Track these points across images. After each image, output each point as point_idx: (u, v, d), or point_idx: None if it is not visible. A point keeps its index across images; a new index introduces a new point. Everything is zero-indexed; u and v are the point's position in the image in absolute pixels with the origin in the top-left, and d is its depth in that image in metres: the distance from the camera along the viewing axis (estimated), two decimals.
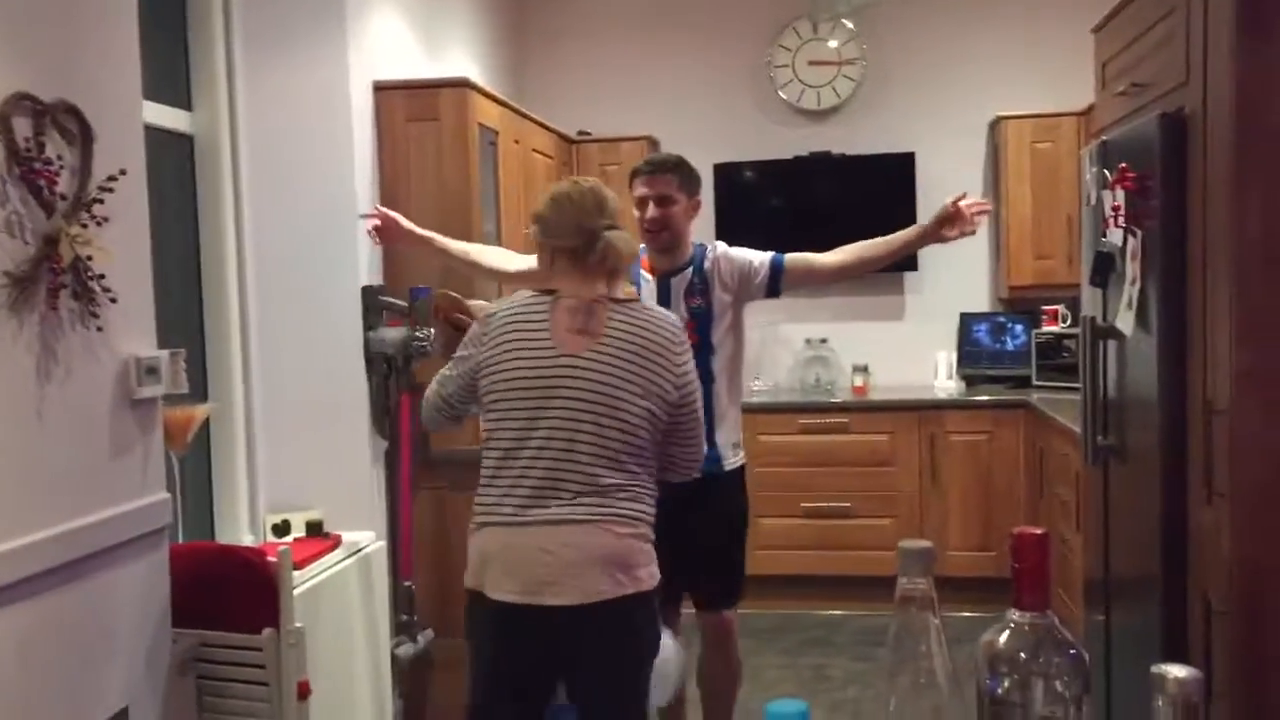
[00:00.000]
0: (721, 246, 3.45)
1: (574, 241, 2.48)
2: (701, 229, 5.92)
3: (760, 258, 3.41)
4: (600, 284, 2.47)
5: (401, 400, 3.93)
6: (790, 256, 3.45)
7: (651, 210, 3.29)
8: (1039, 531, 1.05)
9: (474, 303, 3.05)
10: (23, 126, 2.21)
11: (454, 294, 3.13)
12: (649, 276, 3.34)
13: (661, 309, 2.66)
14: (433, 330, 3.50)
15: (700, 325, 3.28)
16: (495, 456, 2.43)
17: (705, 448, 2.71)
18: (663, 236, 3.31)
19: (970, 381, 5.89)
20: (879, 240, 3.61)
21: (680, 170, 3.35)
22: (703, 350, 3.18)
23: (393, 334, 3.93)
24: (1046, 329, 5.65)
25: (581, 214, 2.49)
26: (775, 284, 3.41)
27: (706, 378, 3.13)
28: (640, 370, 2.41)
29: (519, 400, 2.40)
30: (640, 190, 3.32)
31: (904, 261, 5.91)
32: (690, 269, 3.36)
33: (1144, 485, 2.89)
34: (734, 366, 3.40)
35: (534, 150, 5.17)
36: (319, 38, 3.94)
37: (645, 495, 2.45)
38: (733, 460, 3.38)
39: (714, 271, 3.35)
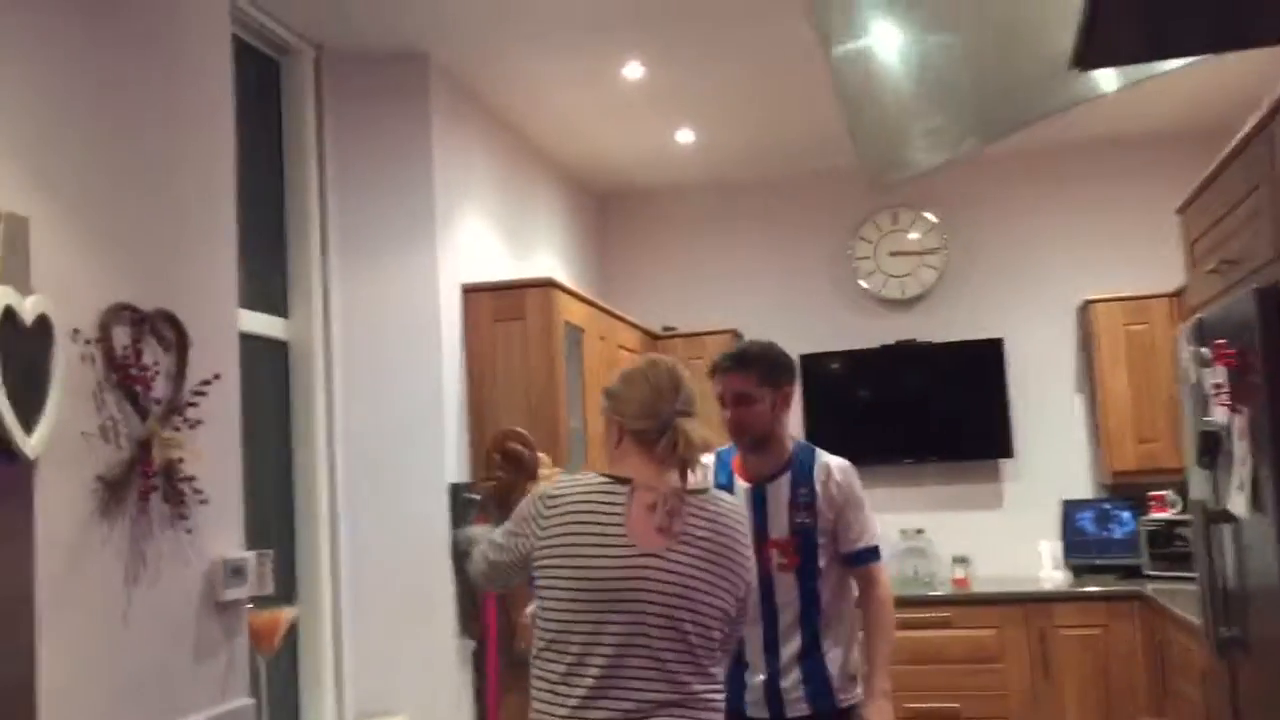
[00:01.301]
0: (836, 462, 2.97)
1: (644, 424, 2.29)
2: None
3: (867, 529, 2.95)
4: (672, 473, 2.28)
5: (488, 600, 3.87)
6: (874, 565, 2.96)
7: (729, 411, 2.90)
8: None
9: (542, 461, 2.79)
10: (122, 335, 2.29)
11: (516, 430, 2.84)
12: (743, 484, 2.95)
13: (727, 496, 2.44)
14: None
15: (805, 544, 2.87)
16: (564, 661, 2.17)
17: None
18: (744, 440, 2.93)
19: (1077, 572, 5.63)
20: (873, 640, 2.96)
21: (761, 363, 2.91)
22: (806, 575, 2.85)
23: (479, 531, 3.89)
24: (1155, 515, 5.42)
25: (655, 395, 2.30)
26: (853, 562, 2.94)
27: (812, 604, 2.85)
28: (718, 567, 2.24)
29: (591, 599, 2.16)
30: (717, 388, 2.93)
31: (1000, 447, 5.81)
32: (789, 473, 2.93)
33: (1276, 678, 2.68)
34: (845, 592, 2.95)
35: (620, 346, 5.24)
36: (411, 244, 4.09)
37: (721, 696, 2.28)
38: (848, 696, 2.89)
39: (826, 485, 2.91)
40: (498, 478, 2.63)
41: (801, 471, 2.92)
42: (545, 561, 2.20)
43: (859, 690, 2.90)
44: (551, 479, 2.58)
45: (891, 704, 2.85)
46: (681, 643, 2.17)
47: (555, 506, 2.23)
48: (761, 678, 2.86)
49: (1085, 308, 5.75)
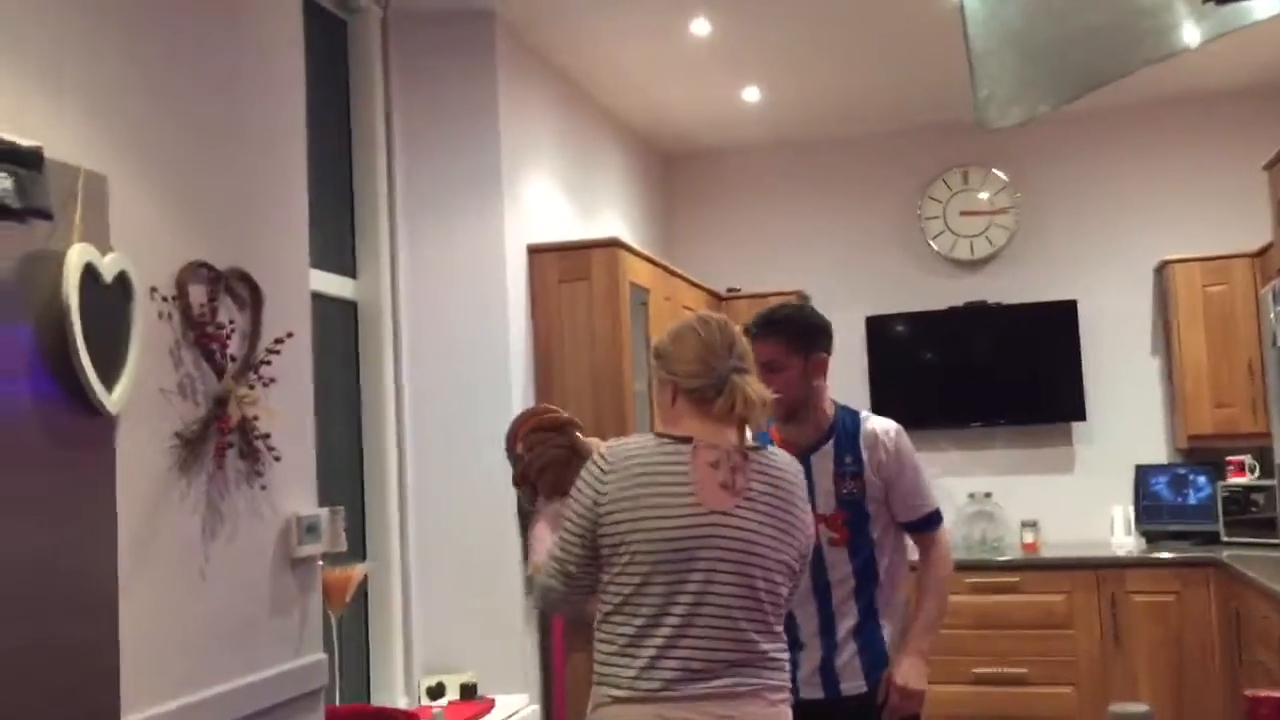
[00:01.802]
0: (883, 424, 2.80)
1: (699, 382, 2.22)
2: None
3: (923, 494, 2.80)
4: (731, 431, 2.23)
5: None
6: (936, 532, 2.83)
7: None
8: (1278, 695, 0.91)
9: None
10: (198, 293, 2.31)
11: (549, 406, 2.62)
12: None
13: (782, 452, 2.35)
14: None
15: (854, 517, 2.73)
16: (634, 624, 2.14)
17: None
18: (776, 408, 2.55)
19: (1150, 538, 5.52)
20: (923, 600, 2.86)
21: (788, 328, 2.73)
22: (858, 548, 2.71)
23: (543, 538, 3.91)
24: (1233, 480, 5.29)
25: (708, 351, 2.23)
26: (913, 530, 2.82)
27: (868, 579, 2.74)
28: (782, 522, 2.22)
29: (663, 562, 2.13)
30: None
31: (1072, 411, 5.71)
32: (832, 442, 2.77)
33: None
34: (901, 561, 2.83)
35: (684, 307, 5.20)
36: (477, 204, 4.08)
37: (786, 655, 2.27)
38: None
39: (874, 450, 2.75)
40: (557, 446, 2.42)
41: (845, 439, 2.77)
42: (610, 525, 2.15)
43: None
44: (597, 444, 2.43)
45: (926, 665, 2.75)
46: (752, 599, 2.16)
47: (614, 468, 2.16)
48: (819, 655, 2.73)
49: (1162, 268, 5.60)
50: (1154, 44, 2.63)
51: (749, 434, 2.27)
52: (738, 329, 2.31)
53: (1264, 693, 0.88)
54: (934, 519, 2.82)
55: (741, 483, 2.18)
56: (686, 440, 2.19)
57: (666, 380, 2.29)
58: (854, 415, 2.81)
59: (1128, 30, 2.47)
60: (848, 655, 2.72)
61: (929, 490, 2.82)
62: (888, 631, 2.76)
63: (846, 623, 2.72)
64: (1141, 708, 0.89)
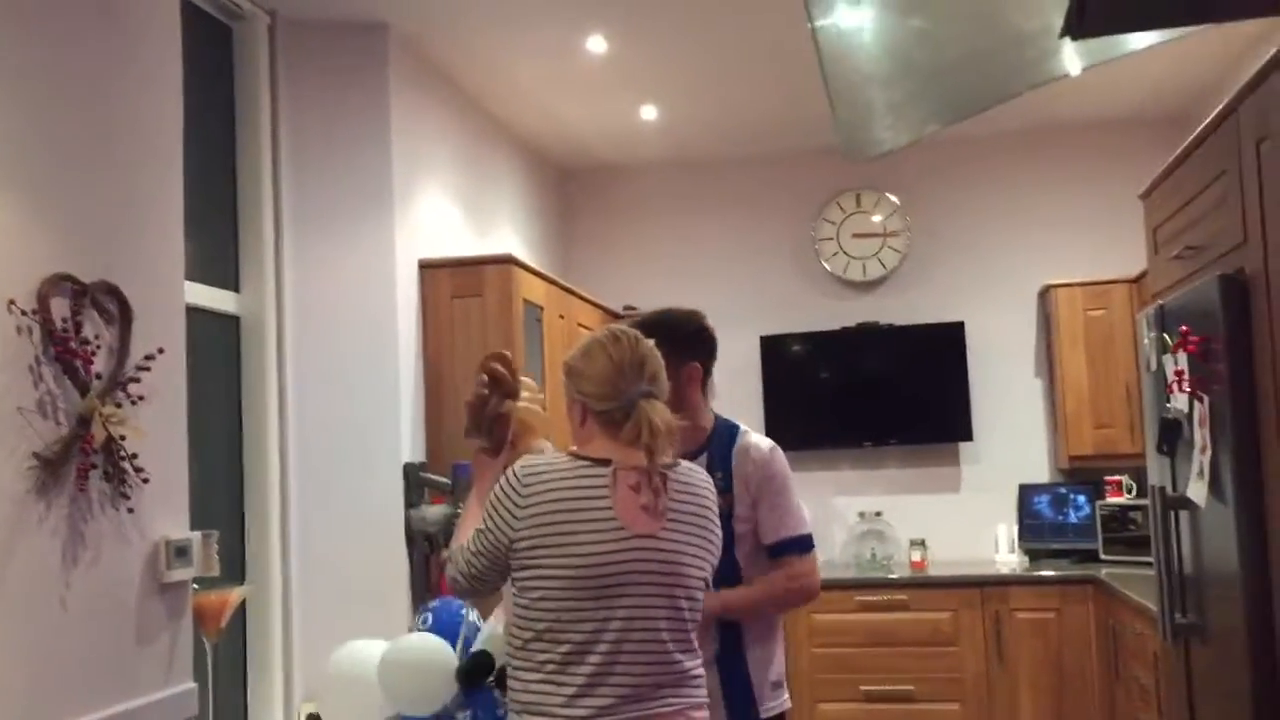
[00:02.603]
0: (757, 440, 2.66)
1: (608, 405, 2.18)
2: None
3: (790, 516, 2.62)
4: (640, 454, 2.15)
5: (443, 580, 3.81)
6: (797, 558, 2.62)
7: None
8: None
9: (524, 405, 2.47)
10: (61, 306, 2.20)
11: (501, 352, 2.53)
12: None
13: (691, 465, 2.30)
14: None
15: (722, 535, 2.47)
16: (559, 650, 2.09)
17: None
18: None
19: (1033, 555, 5.66)
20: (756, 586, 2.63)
21: (662, 334, 2.42)
22: (723, 567, 2.38)
23: (435, 511, 3.85)
24: (1111, 500, 5.45)
25: (617, 373, 2.18)
26: (774, 554, 2.62)
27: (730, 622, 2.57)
28: (700, 539, 2.22)
29: (589, 589, 2.08)
30: None
31: (959, 431, 5.82)
32: (704, 456, 2.61)
33: (1231, 665, 2.69)
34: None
35: (580, 325, 5.18)
36: (367, 218, 4.00)
37: (702, 670, 2.25)
38: (773, 705, 2.62)
39: (742, 465, 2.60)
40: (478, 394, 2.41)
41: (719, 452, 2.61)
42: (529, 549, 2.10)
43: (786, 697, 2.65)
44: (532, 404, 2.46)
45: (715, 606, 2.47)
46: (676, 620, 2.15)
47: (533, 490, 2.11)
48: None
49: (1046, 292, 5.76)
50: (1036, 70, 2.70)
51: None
52: (648, 345, 2.24)
53: None
54: (803, 543, 2.62)
55: (663, 504, 2.16)
56: (605, 463, 2.15)
57: (576, 399, 2.25)
58: (733, 430, 2.67)
59: (1010, 56, 2.53)
60: (710, 686, 2.39)
61: (800, 514, 2.64)
62: (757, 656, 2.59)
63: (708, 649, 2.46)
64: None
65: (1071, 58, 2.55)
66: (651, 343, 2.26)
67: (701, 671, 2.22)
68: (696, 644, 2.22)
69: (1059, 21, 1.92)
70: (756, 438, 2.66)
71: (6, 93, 2.14)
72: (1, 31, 2.14)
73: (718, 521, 2.28)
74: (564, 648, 2.09)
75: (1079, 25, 1.86)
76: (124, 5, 2.53)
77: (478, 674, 2.62)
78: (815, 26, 2.14)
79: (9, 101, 2.15)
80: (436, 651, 2.68)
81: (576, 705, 2.08)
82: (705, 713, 2.22)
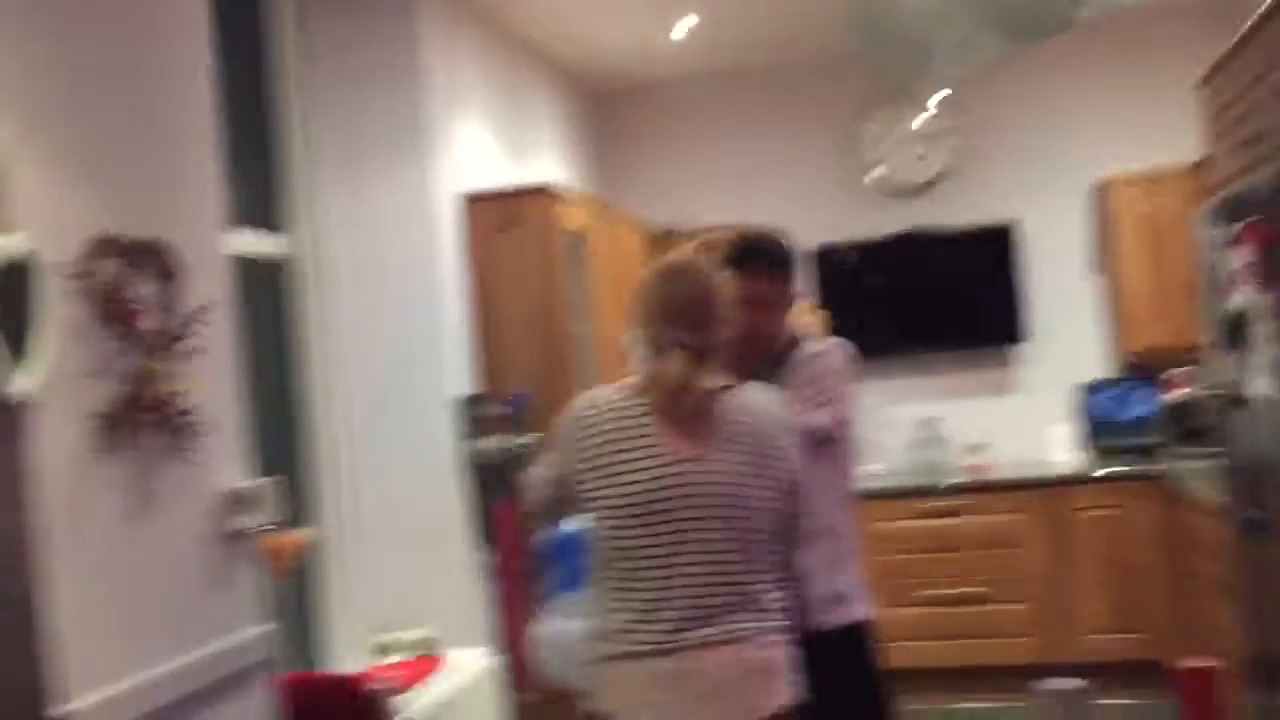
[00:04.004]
0: (818, 348, 2.64)
1: (646, 337, 2.26)
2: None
3: (824, 403, 2.54)
4: (700, 373, 2.21)
5: (502, 509, 3.86)
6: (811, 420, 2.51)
7: (744, 316, 2.43)
8: (1205, 666, 0.89)
9: None
10: (109, 267, 2.21)
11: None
12: None
13: (757, 391, 2.32)
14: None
15: None
16: (621, 579, 2.19)
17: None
18: (755, 344, 2.56)
19: (1094, 453, 5.60)
20: None
21: (778, 265, 2.59)
22: None
23: (490, 442, 3.87)
24: (1172, 394, 5.36)
25: (662, 311, 2.25)
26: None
27: None
28: (759, 464, 2.22)
29: (639, 514, 2.17)
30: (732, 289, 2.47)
31: (1013, 332, 5.74)
32: (776, 367, 2.60)
33: None
34: (827, 494, 2.54)
35: (623, 249, 5.14)
36: (405, 153, 3.98)
37: (782, 598, 2.27)
38: (834, 616, 2.54)
39: (802, 364, 2.59)
40: None
41: (782, 360, 2.61)
42: (589, 483, 2.22)
43: (851, 609, 2.57)
44: None
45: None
46: (738, 542, 2.18)
47: (588, 426, 2.23)
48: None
49: (1101, 186, 5.61)
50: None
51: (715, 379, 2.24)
52: (707, 288, 2.26)
53: (1191, 665, 0.87)
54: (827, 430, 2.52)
55: (706, 427, 2.19)
56: (643, 389, 2.24)
57: (631, 323, 2.32)
58: (804, 341, 2.67)
59: None
60: None
61: (834, 409, 2.54)
62: (814, 566, 2.48)
63: None
64: (1076, 683, 0.86)
65: None
66: (717, 280, 2.27)
67: (777, 598, 2.23)
68: (770, 571, 2.22)
69: None
70: (824, 340, 2.71)
71: (45, 61, 2.13)
72: None
73: (781, 444, 2.26)
74: (626, 571, 2.18)
75: None
76: None
77: None
78: None
79: (47, 69, 2.14)
80: None
81: (643, 628, 2.15)
82: (777, 639, 2.22)
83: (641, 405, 2.22)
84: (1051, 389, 5.78)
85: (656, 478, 2.17)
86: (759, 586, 2.20)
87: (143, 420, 2.24)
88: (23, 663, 1.90)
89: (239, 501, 2.52)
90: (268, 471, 2.72)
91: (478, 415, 3.93)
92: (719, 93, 6.16)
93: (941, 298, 5.86)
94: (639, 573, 2.18)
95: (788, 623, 2.25)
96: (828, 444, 2.53)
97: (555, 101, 5.55)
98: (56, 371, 2.03)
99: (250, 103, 3.69)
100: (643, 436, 2.20)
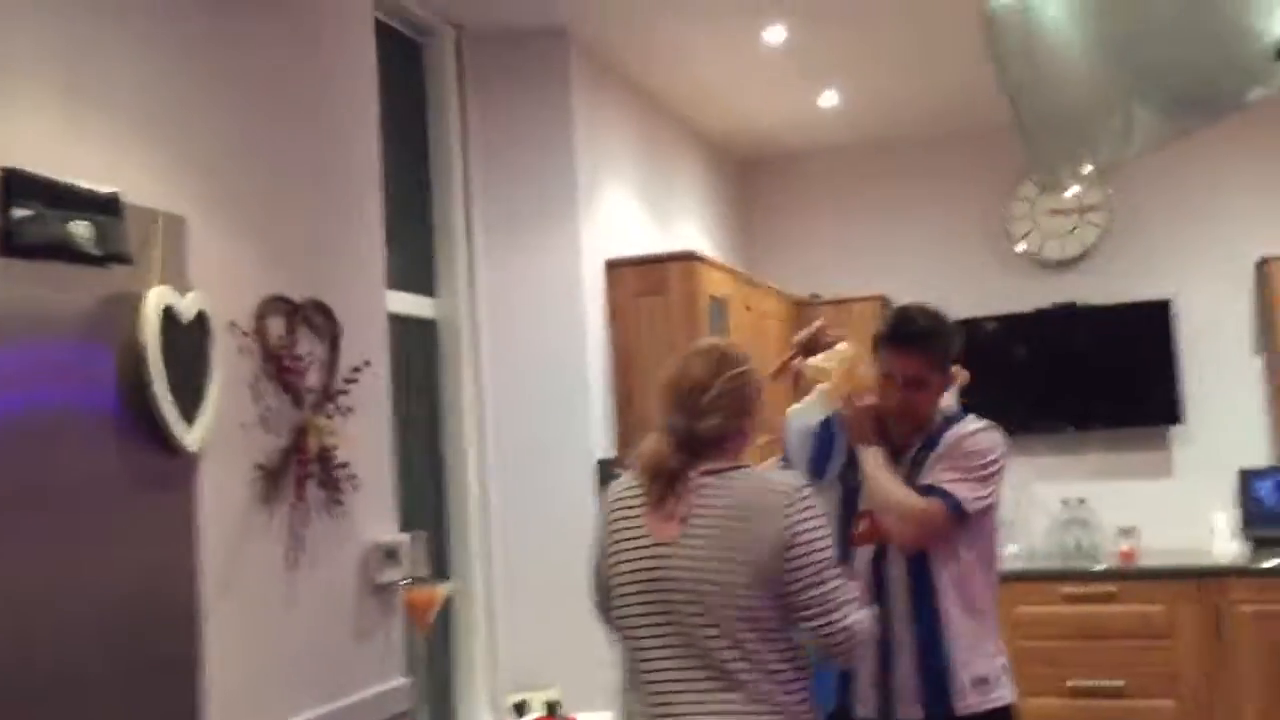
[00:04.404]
0: (975, 423, 2.58)
1: (660, 419, 2.29)
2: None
3: (952, 477, 2.48)
4: (679, 456, 2.24)
5: None
6: (934, 500, 2.46)
7: (899, 392, 2.51)
8: None
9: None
10: (276, 326, 2.34)
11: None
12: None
13: (775, 475, 2.31)
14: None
15: None
16: (628, 654, 2.28)
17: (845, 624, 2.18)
18: (909, 423, 2.55)
19: (1257, 544, 5.32)
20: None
21: (933, 342, 2.55)
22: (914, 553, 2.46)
23: None
24: None
25: (669, 392, 2.29)
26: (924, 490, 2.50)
27: (924, 584, 2.48)
28: (728, 546, 2.16)
29: (630, 594, 2.23)
30: (885, 365, 2.55)
31: (1168, 413, 5.53)
32: (923, 448, 2.56)
33: None
34: (970, 570, 2.50)
35: (765, 315, 5.15)
36: (554, 221, 4.09)
37: (764, 681, 2.16)
38: (977, 700, 2.46)
39: (947, 441, 2.53)
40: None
41: (931, 442, 2.54)
42: (606, 562, 2.31)
43: (997, 694, 2.48)
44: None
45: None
46: (715, 628, 2.16)
47: (607, 514, 2.33)
48: (871, 667, 2.49)
49: (1264, 263, 5.39)
50: (1270, 73, 2.43)
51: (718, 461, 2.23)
52: (717, 375, 2.25)
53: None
54: (939, 493, 2.44)
55: (684, 510, 2.21)
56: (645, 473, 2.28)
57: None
58: (959, 419, 2.60)
59: (1241, 62, 2.27)
60: (903, 675, 2.47)
61: (967, 486, 2.45)
62: (962, 652, 2.45)
63: (905, 635, 2.47)
64: None
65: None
66: (735, 373, 2.26)
67: (759, 682, 2.14)
68: (762, 651, 2.16)
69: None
70: (977, 421, 2.59)
71: (226, 130, 2.28)
72: (221, 71, 2.28)
73: (765, 520, 2.15)
74: (630, 649, 2.26)
75: None
76: (322, 29, 2.66)
77: None
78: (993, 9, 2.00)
79: (227, 137, 2.29)
80: None
81: (638, 705, 2.24)
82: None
83: (639, 492, 2.27)
84: (1210, 473, 5.52)
85: (639, 559, 2.22)
86: (740, 668, 2.14)
87: (301, 472, 2.35)
88: (184, 694, 1.99)
89: (386, 554, 2.61)
90: (413, 526, 2.81)
91: (615, 477, 3.97)
92: (862, 163, 6.16)
93: (1090, 374, 5.69)
94: (638, 649, 2.22)
95: (798, 702, 2.18)
96: (965, 520, 2.46)
97: (700, 170, 5.63)
98: (223, 424, 2.15)
99: (410, 168, 3.85)
100: (635, 519, 2.25)
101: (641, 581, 2.21)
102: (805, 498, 2.19)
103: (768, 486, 2.21)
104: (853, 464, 2.56)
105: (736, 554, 2.15)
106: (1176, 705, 4.94)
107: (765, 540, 2.14)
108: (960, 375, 2.69)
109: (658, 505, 2.22)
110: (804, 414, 2.60)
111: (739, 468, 2.24)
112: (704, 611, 2.15)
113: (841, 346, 2.65)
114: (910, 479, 2.50)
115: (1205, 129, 2.62)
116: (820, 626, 2.15)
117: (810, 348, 2.66)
